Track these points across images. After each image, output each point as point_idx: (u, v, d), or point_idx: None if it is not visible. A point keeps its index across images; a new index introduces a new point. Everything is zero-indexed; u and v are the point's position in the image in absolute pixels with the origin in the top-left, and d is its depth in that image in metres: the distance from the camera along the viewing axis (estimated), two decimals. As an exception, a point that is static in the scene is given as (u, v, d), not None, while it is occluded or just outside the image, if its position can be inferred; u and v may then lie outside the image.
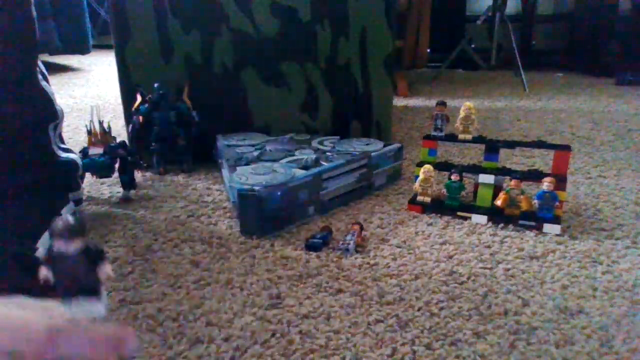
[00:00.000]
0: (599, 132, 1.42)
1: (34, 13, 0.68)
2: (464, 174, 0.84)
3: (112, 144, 0.92)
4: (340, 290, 0.61)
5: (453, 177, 0.83)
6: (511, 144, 0.86)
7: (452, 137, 0.88)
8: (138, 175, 1.04)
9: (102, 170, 0.90)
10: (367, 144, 1.00)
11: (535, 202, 0.77)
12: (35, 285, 0.58)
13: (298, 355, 0.50)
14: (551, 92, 2.10)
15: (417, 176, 0.86)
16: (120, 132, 1.32)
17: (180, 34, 1.07)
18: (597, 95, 2.03)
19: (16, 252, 0.58)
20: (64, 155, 0.77)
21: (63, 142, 0.83)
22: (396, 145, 1.00)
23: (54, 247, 0.31)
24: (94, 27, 3.46)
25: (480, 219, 0.81)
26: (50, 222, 0.72)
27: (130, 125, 1.06)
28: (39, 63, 0.72)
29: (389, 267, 0.67)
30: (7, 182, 0.64)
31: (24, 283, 0.55)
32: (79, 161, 0.82)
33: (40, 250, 0.60)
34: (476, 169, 0.85)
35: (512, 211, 0.79)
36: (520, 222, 0.79)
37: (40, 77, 0.71)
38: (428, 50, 2.29)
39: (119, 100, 1.12)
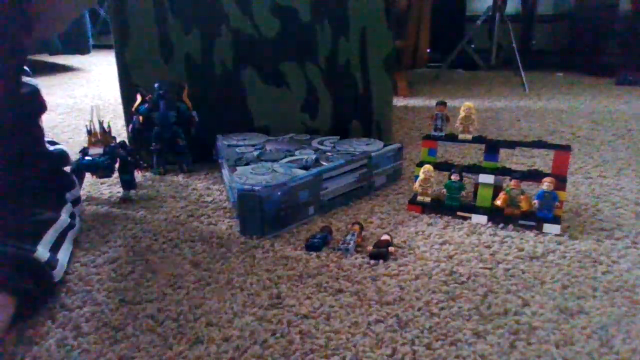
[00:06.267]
0: (599, 132, 1.42)
1: (29, 11, 0.67)
2: (464, 174, 0.84)
3: (112, 144, 0.92)
4: (340, 290, 0.61)
5: (453, 177, 0.83)
6: (511, 144, 0.86)
7: (452, 137, 0.88)
8: (138, 175, 1.04)
9: (102, 170, 0.90)
10: (367, 144, 1.00)
11: (535, 202, 0.77)
12: (35, 287, 0.58)
13: (298, 355, 0.50)
14: (551, 92, 2.10)
15: (417, 176, 0.86)
16: (120, 132, 1.32)
17: (180, 34, 1.07)
18: (597, 95, 2.02)
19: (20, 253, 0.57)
20: (52, 147, 0.78)
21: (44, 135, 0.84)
22: (396, 145, 1.00)
23: None
24: (94, 27, 3.46)
25: (480, 219, 0.81)
26: (50, 223, 0.71)
27: (130, 125, 1.06)
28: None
29: (389, 267, 0.67)
30: (4, 179, 0.64)
31: (22, 284, 0.55)
32: (67, 150, 0.83)
33: (40, 252, 0.60)
34: (476, 169, 0.85)
35: (512, 211, 0.79)
36: (520, 222, 0.79)
37: (24, 74, 0.71)
38: (428, 50, 2.29)
39: (119, 100, 1.12)
